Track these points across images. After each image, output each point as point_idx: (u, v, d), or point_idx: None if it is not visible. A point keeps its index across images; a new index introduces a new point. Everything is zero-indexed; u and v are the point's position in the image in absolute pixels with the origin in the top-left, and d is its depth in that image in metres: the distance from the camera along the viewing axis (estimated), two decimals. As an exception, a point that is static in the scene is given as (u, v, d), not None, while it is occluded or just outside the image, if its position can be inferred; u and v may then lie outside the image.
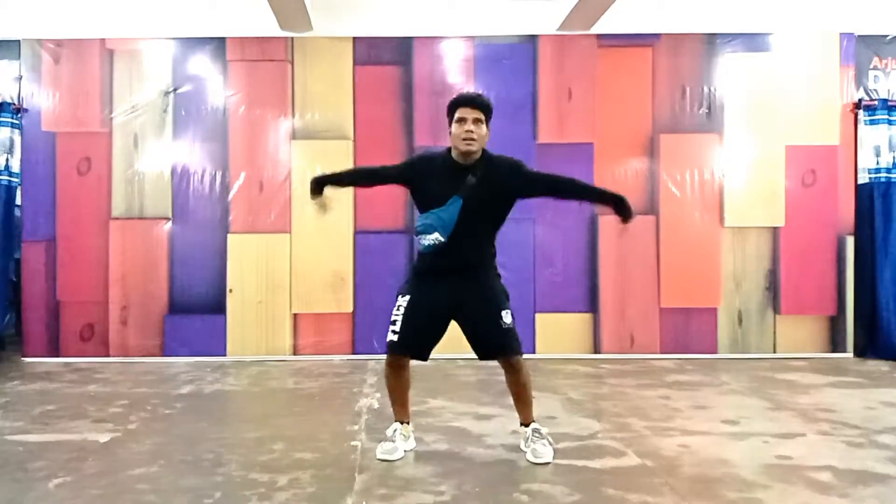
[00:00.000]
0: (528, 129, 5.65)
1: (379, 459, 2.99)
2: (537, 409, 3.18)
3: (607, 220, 5.60)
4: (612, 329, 5.69)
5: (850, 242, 5.72)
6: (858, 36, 5.76)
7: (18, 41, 5.62)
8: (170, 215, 5.63)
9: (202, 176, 5.64)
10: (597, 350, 5.68)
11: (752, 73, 5.71)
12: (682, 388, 4.55)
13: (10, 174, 5.64)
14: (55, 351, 5.56)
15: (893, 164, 5.71)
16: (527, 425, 3.10)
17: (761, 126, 5.70)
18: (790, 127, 5.69)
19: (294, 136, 5.67)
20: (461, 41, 5.73)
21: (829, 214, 5.72)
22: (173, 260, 5.62)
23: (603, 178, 5.58)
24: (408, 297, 3.04)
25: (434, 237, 2.95)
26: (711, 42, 5.74)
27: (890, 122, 5.70)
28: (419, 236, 3.01)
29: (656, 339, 5.68)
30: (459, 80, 5.62)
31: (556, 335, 5.64)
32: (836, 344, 5.70)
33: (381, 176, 3.28)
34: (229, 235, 5.63)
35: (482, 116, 2.96)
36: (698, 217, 5.71)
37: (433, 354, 3.13)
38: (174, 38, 5.67)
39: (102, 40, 5.65)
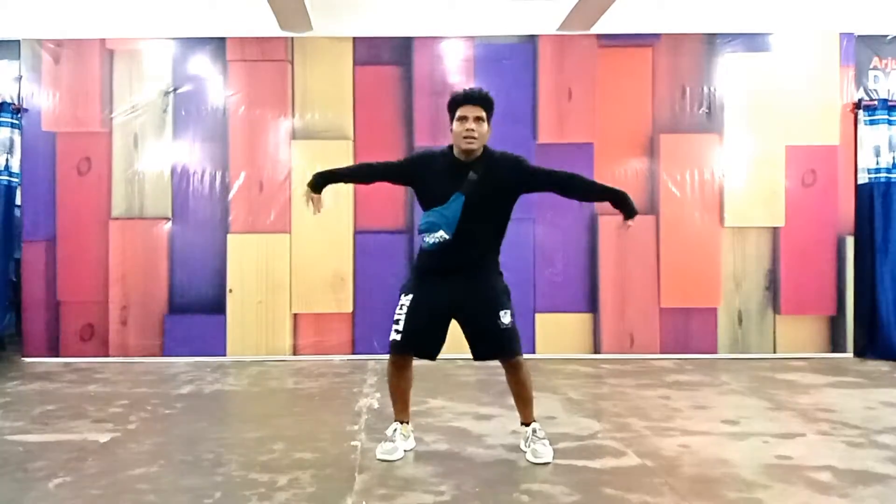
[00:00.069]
0: (528, 130, 5.65)
1: (379, 459, 2.99)
2: (537, 409, 3.18)
3: (607, 220, 5.61)
4: (611, 329, 5.69)
5: (850, 242, 5.72)
6: (858, 36, 5.76)
7: (18, 41, 5.62)
8: (170, 215, 5.63)
9: (202, 176, 5.64)
10: (597, 350, 5.68)
11: (752, 73, 5.71)
12: (682, 388, 4.55)
13: (10, 174, 5.64)
14: (55, 351, 5.56)
15: (893, 164, 5.71)
16: (527, 425, 3.10)
17: (761, 126, 5.70)
18: (790, 127, 5.69)
19: (294, 136, 5.67)
20: (461, 41, 5.73)
21: (829, 214, 5.72)
22: (173, 260, 5.62)
23: (603, 179, 5.50)
24: (411, 297, 3.04)
25: (439, 235, 2.95)
26: (711, 42, 5.74)
27: (890, 122, 5.70)
28: (423, 234, 3.00)
29: (656, 339, 5.68)
30: (459, 81, 5.61)
31: (556, 335, 5.64)
32: (836, 344, 5.70)
33: (382, 172, 3.24)
34: (229, 235, 5.63)
35: (483, 114, 2.95)
36: (698, 217, 5.71)
37: None
38: (174, 38, 5.68)
39: (102, 40, 5.65)
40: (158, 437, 3.46)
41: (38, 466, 2.93)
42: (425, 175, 3.07)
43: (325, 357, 5.56)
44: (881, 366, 5.38)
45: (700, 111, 5.73)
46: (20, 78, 5.63)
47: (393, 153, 5.38)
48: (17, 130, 5.61)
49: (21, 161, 5.62)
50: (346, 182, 3.41)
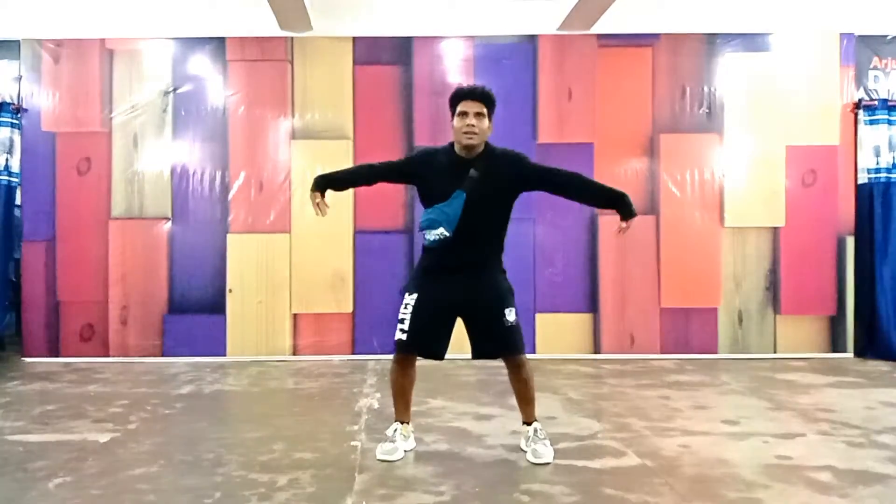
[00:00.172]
0: (528, 129, 5.65)
1: (379, 460, 2.99)
2: (538, 410, 3.18)
3: (607, 220, 5.60)
4: (612, 329, 5.69)
5: (850, 242, 5.72)
6: (858, 36, 5.76)
7: (18, 41, 5.62)
8: (169, 215, 5.63)
9: (202, 176, 5.64)
10: (597, 350, 5.68)
11: (752, 73, 5.71)
12: (682, 388, 4.55)
13: (10, 174, 5.64)
14: (55, 351, 5.56)
15: (893, 164, 5.71)
16: (529, 424, 3.10)
17: (761, 126, 5.70)
18: (790, 127, 5.69)
19: (294, 136, 5.67)
20: (461, 41, 5.73)
21: (829, 214, 5.72)
22: (173, 260, 5.62)
23: (603, 179, 5.48)
24: (415, 296, 3.03)
25: (439, 232, 2.94)
26: (711, 42, 5.74)
27: (890, 122, 5.69)
28: (424, 231, 3.00)
29: (656, 339, 5.68)
30: (459, 81, 5.60)
31: (556, 335, 5.64)
32: (836, 344, 5.70)
33: (384, 172, 3.23)
34: (229, 235, 5.63)
35: (484, 110, 2.95)
36: (698, 217, 5.71)
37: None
38: (174, 38, 5.68)
39: (102, 40, 5.65)
40: (158, 437, 3.46)
41: (38, 466, 2.93)
42: (427, 173, 3.07)
43: (324, 357, 5.56)
44: (881, 366, 5.38)
45: (700, 111, 5.73)
46: (20, 78, 5.63)
47: (393, 153, 5.40)
48: (16, 130, 5.61)
49: (21, 161, 5.62)
50: (348, 187, 3.40)
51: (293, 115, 5.67)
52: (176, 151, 5.65)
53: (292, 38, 5.68)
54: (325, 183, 3.11)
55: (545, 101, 5.71)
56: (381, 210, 5.60)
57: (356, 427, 3.57)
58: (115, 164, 5.63)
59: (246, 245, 5.63)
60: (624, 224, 2.99)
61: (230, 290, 5.61)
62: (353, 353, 5.60)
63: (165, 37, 5.68)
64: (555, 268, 5.67)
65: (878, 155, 5.71)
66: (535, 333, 5.54)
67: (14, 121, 5.59)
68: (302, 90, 5.67)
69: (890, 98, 5.76)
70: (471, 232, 2.95)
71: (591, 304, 5.70)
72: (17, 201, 5.74)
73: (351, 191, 5.56)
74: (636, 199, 3.06)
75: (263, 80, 5.67)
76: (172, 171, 5.64)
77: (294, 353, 5.62)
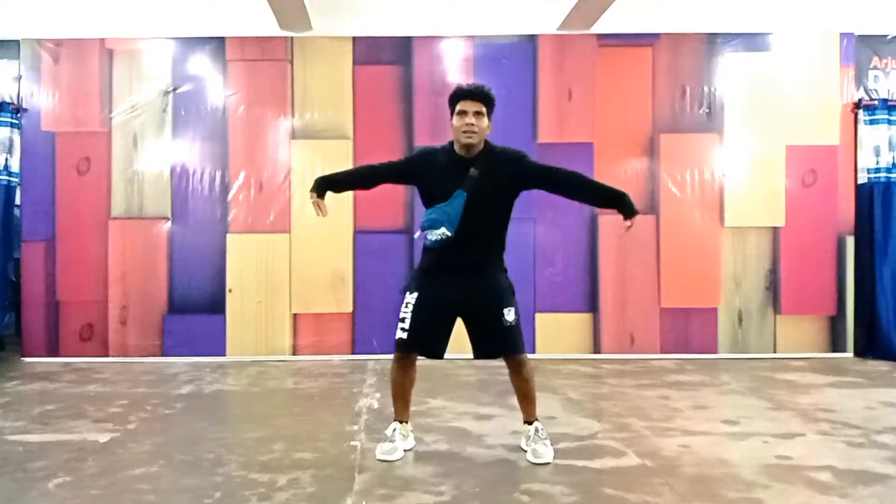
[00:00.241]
0: (528, 129, 5.65)
1: (378, 460, 2.99)
2: (538, 409, 3.17)
3: (607, 220, 5.61)
4: (612, 329, 5.69)
5: (850, 242, 5.72)
6: (858, 36, 5.76)
7: (18, 41, 5.62)
8: (169, 215, 5.63)
9: (202, 176, 5.64)
10: (597, 350, 5.68)
11: (752, 73, 5.71)
12: (682, 388, 4.55)
13: (10, 174, 5.63)
14: (55, 351, 5.56)
15: (893, 164, 5.71)
16: (530, 423, 3.09)
17: (761, 126, 5.70)
18: (790, 127, 5.69)
19: (294, 135, 5.67)
20: (461, 41, 5.73)
21: (829, 214, 5.72)
22: (173, 260, 5.62)
23: (603, 179, 5.44)
24: (416, 295, 3.03)
25: (441, 232, 2.94)
26: (711, 42, 5.74)
27: (890, 122, 5.69)
28: (425, 231, 3.00)
29: (656, 339, 5.68)
30: (459, 80, 5.60)
31: (556, 335, 5.64)
32: (836, 344, 5.70)
33: (384, 173, 3.24)
34: (229, 235, 5.63)
35: (483, 109, 2.95)
36: (698, 217, 5.71)
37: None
38: (174, 38, 5.67)
39: (102, 40, 5.65)
40: (158, 437, 3.46)
41: (38, 466, 2.93)
42: (427, 172, 3.07)
43: (324, 357, 5.56)
44: (881, 366, 5.37)
45: (700, 111, 5.73)
46: (20, 78, 5.63)
47: (393, 153, 5.39)
48: (16, 130, 5.61)
49: (21, 161, 5.62)
50: (348, 188, 3.40)
51: (293, 115, 5.66)
52: (176, 151, 5.65)
53: (292, 37, 5.68)
54: (324, 184, 3.11)
55: (545, 101, 5.71)
56: (381, 210, 5.60)
57: (356, 427, 3.57)
58: (114, 163, 5.63)
59: (246, 245, 5.63)
60: (627, 223, 2.99)
61: (230, 290, 5.61)
62: (353, 353, 5.59)
63: (165, 37, 5.67)
64: (555, 268, 5.67)
65: (878, 155, 5.71)
66: (535, 333, 5.54)
67: (14, 120, 5.59)
68: (302, 90, 5.67)
69: (890, 98, 5.76)
70: (472, 231, 2.95)
71: (591, 304, 5.70)
72: (17, 201, 5.74)
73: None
74: (636, 199, 3.06)
75: (263, 80, 5.66)
76: (172, 171, 5.63)
77: (294, 353, 5.62)
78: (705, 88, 5.73)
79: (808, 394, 4.38)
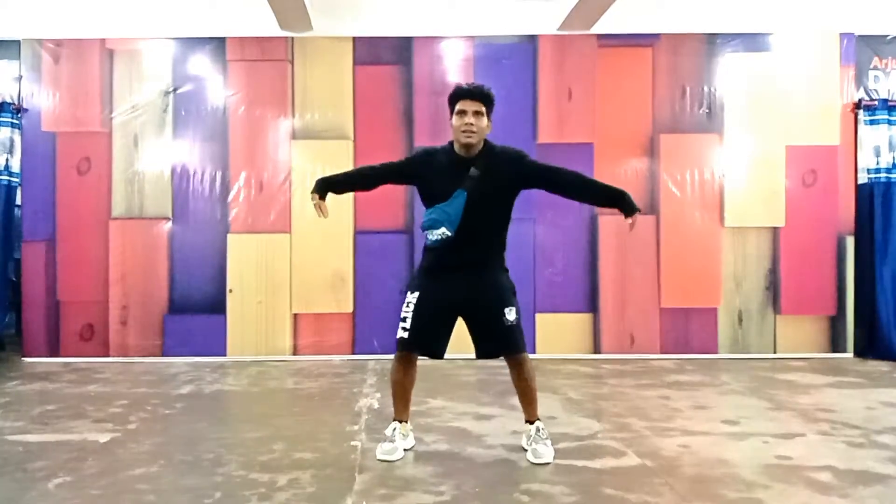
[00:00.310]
0: (528, 129, 5.65)
1: (379, 460, 2.99)
2: (538, 410, 3.17)
3: (607, 221, 5.61)
4: (612, 329, 5.69)
5: (850, 242, 5.72)
6: (858, 36, 5.76)
7: (18, 41, 5.62)
8: (170, 215, 5.63)
9: (202, 176, 5.64)
10: (597, 350, 5.68)
11: (752, 73, 5.71)
12: (682, 388, 4.55)
13: (10, 174, 5.64)
14: (55, 351, 5.56)
15: (893, 164, 5.71)
16: (531, 423, 3.09)
17: (761, 126, 5.70)
18: (790, 127, 5.69)
19: (294, 136, 5.67)
20: (461, 41, 5.73)
21: (829, 214, 5.72)
22: (173, 260, 5.62)
23: (603, 179, 5.40)
24: (417, 294, 3.04)
25: (441, 232, 2.94)
26: (711, 42, 5.74)
27: (890, 122, 5.70)
28: (426, 231, 3.00)
29: (656, 339, 5.68)
30: (459, 80, 5.59)
31: (556, 335, 5.64)
32: (836, 344, 5.70)
33: (384, 174, 3.24)
34: (229, 235, 5.63)
35: (483, 109, 2.95)
36: (698, 217, 5.71)
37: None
38: (174, 38, 5.68)
39: (102, 40, 5.65)
40: (158, 437, 3.46)
41: (38, 466, 2.93)
42: (427, 172, 3.07)
43: (325, 357, 5.56)
44: (881, 366, 5.38)
45: (700, 111, 5.73)
46: (20, 78, 5.63)
47: (393, 153, 5.40)
48: (17, 130, 5.61)
49: (21, 161, 5.63)
50: (348, 189, 3.40)
51: (293, 115, 5.67)
52: (176, 151, 5.65)
53: (292, 38, 5.68)
54: (325, 186, 3.12)
55: (545, 101, 5.71)
56: (381, 210, 5.60)
57: (356, 427, 3.57)
58: (115, 164, 5.63)
59: (246, 245, 5.63)
60: (629, 220, 2.98)
61: (230, 290, 5.61)
62: (353, 353, 5.60)
63: (165, 37, 5.68)
64: (555, 268, 5.68)
65: (878, 155, 5.71)
66: (535, 333, 5.54)
67: (14, 121, 5.60)
68: (302, 90, 5.67)
69: (890, 98, 5.76)
70: (472, 231, 2.95)
71: (591, 304, 5.70)
72: (18, 201, 5.74)
73: (351, 190, 5.56)
74: (636, 199, 3.06)
75: (263, 80, 5.67)
76: (173, 171, 5.64)
77: (294, 353, 5.62)
78: (705, 88, 5.73)
79: (808, 394, 4.38)
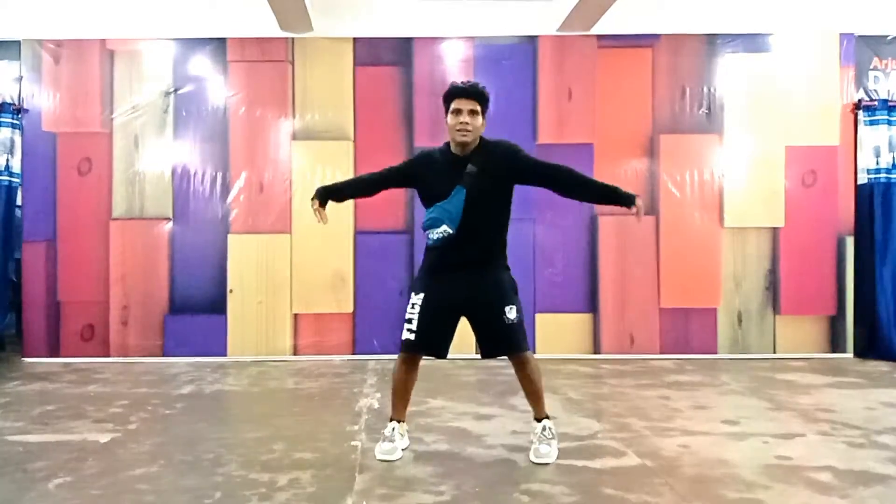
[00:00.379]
0: (528, 130, 5.65)
1: (379, 460, 2.99)
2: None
3: (607, 221, 5.61)
4: (612, 329, 5.69)
5: (850, 242, 5.72)
6: (858, 36, 5.76)
7: (18, 41, 5.62)
8: (170, 215, 5.63)
9: (203, 176, 5.64)
10: (597, 350, 5.68)
11: (752, 74, 5.71)
12: (682, 389, 4.55)
13: (11, 174, 5.64)
14: (55, 351, 5.56)
15: (893, 164, 5.71)
16: (539, 421, 3.09)
17: (761, 126, 5.70)
18: (790, 127, 5.69)
19: (294, 136, 5.67)
20: (461, 41, 5.73)
21: (829, 214, 5.72)
22: (174, 260, 5.62)
23: (603, 179, 5.43)
24: (422, 296, 3.04)
25: (442, 230, 2.94)
26: (711, 42, 5.74)
27: (890, 123, 5.70)
28: (427, 231, 3.00)
29: (656, 339, 5.68)
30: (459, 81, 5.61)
31: (556, 335, 5.64)
32: (836, 344, 5.70)
33: (384, 180, 3.27)
34: (229, 236, 5.64)
35: (478, 108, 2.97)
36: (698, 217, 5.71)
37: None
38: (174, 39, 5.68)
39: (103, 41, 5.66)
40: (158, 437, 3.46)
41: (38, 466, 2.93)
42: (426, 174, 3.09)
43: (325, 357, 5.57)
44: (881, 366, 5.38)
45: (700, 111, 5.73)
46: (20, 78, 5.64)
47: (393, 153, 5.43)
48: (17, 131, 5.61)
49: (21, 161, 5.63)
50: (349, 197, 3.44)
51: (294, 116, 5.67)
52: (177, 152, 5.65)
53: (293, 38, 5.69)
54: (325, 194, 3.16)
55: (545, 102, 5.71)
56: (381, 211, 5.60)
57: (356, 427, 3.57)
58: (115, 164, 5.63)
59: (246, 245, 5.63)
60: (633, 211, 2.96)
61: (231, 291, 5.62)
62: (354, 353, 5.60)
63: (166, 37, 5.68)
64: (555, 268, 5.68)
65: (878, 155, 5.71)
66: (535, 333, 5.54)
67: (15, 121, 5.60)
68: (302, 91, 5.68)
69: (890, 98, 5.77)
70: (474, 228, 2.95)
71: (591, 304, 5.70)
72: (18, 201, 5.74)
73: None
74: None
75: (264, 81, 5.67)
76: (173, 172, 5.64)
77: (294, 353, 5.62)
78: (705, 89, 5.73)
79: (808, 394, 4.38)
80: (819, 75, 5.72)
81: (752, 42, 5.74)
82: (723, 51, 5.73)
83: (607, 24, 5.58)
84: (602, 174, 5.53)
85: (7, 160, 5.61)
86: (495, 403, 4.04)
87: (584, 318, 5.70)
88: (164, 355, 5.55)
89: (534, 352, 5.38)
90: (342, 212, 5.54)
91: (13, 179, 5.65)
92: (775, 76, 5.71)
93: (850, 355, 5.67)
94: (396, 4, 5.77)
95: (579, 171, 3.10)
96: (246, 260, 5.63)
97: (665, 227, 5.69)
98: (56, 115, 5.62)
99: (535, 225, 5.62)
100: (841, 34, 5.72)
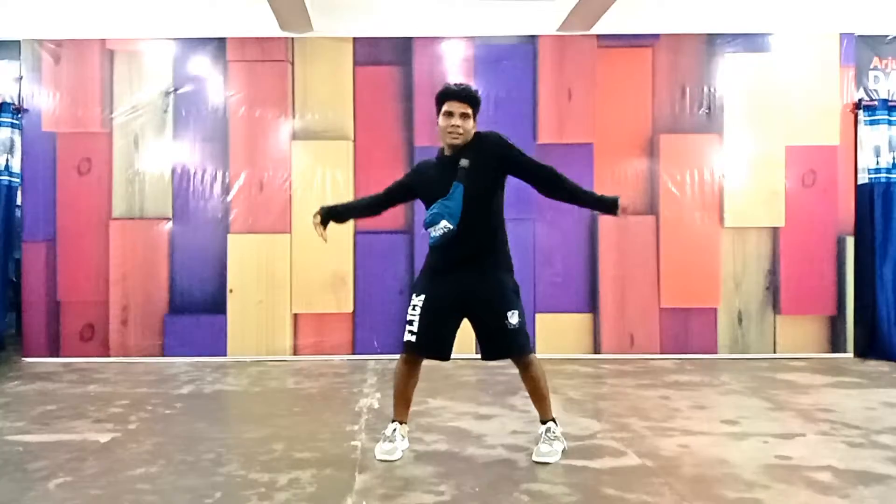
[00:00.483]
0: (528, 130, 5.65)
1: (378, 460, 2.99)
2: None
3: (607, 221, 5.61)
4: (612, 329, 5.69)
5: (850, 242, 5.72)
6: (858, 36, 5.76)
7: (18, 41, 5.62)
8: (170, 215, 5.63)
9: (202, 176, 5.64)
10: (597, 350, 5.68)
11: (752, 74, 5.71)
12: (682, 388, 4.55)
13: (11, 174, 5.64)
14: (55, 351, 5.56)
15: (893, 164, 5.71)
16: (544, 423, 3.09)
17: (761, 126, 5.70)
18: (790, 127, 5.69)
19: (294, 136, 5.67)
20: (461, 41, 5.73)
21: (829, 214, 5.72)
22: (173, 260, 5.62)
23: (603, 179, 5.59)
24: (423, 297, 3.04)
25: (443, 226, 2.94)
26: (711, 42, 5.75)
27: (890, 123, 5.70)
28: (429, 229, 3.00)
29: (656, 339, 5.68)
30: (460, 81, 5.60)
31: (556, 335, 5.64)
32: (836, 344, 5.70)
33: (389, 196, 3.30)
34: (229, 235, 5.63)
35: (469, 111, 2.98)
36: (698, 217, 5.71)
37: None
38: (174, 39, 5.68)
39: (102, 40, 5.66)
40: (158, 437, 3.46)
41: (38, 466, 2.93)
42: (424, 180, 3.13)
43: (325, 357, 5.57)
44: (881, 366, 5.38)
45: (700, 111, 5.73)
46: (20, 78, 5.64)
47: (393, 153, 5.45)
48: (17, 131, 5.62)
49: (21, 161, 5.63)
50: (354, 217, 3.46)
51: (293, 116, 5.67)
52: (176, 152, 5.65)
53: (293, 38, 5.68)
54: (328, 214, 3.23)
55: (545, 102, 5.71)
56: (381, 210, 5.59)
57: (356, 427, 3.57)
58: (115, 164, 5.63)
59: (246, 245, 5.63)
60: (620, 214, 2.97)
61: (230, 290, 5.62)
62: (354, 353, 5.60)
63: (166, 37, 5.68)
64: (555, 268, 5.68)
65: (878, 155, 5.71)
66: (535, 333, 5.54)
67: (14, 121, 5.60)
68: (302, 90, 5.67)
69: (890, 98, 5.77)
70: (474, 222, 2.95)
71: (591, 304, 5.70)
72: (18, 201, 5.74)
73: (351, 189, 5.59)
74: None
75: (264, 81, 5.67)
76: (173, 172, 5.64)
77: (294, 353, 5.62)
78: (705, 89, 5.73)
79: (808, 394, 4.38)
80: (819, 75, 5.72)
81: (752, 42, 5.74)
82: (723, 51, 5.73)
83: (607, 24, 5.58)
84: (602, 174, 5.58)
85: (7, 160, 5.61)
86: (495, 403, 4.04)
87: (584, 318, 5.70)
88: (164, 355, 5.55)
89: (533, 352, 5.42)
90: (342, 212, 5.54)
91: (13, 179, 5.66)
92: (775, 76, 5.71)
93: (850, 355, 5.67)
94: (396, 4, 5.77)
95: (561, 172, 3.06)
96: (246, 260, 5.63)
97: (665, 227, 5.69)
98: (56, 115, 5.62)
99: (535, 225, 5.62)
100: (841, 34, 5.72)
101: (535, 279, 5.62)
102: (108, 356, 5.54)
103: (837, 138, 5.72)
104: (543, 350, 5.54)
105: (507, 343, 3.01)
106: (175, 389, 4.53)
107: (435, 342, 3.04)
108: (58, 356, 5.53)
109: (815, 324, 5.72)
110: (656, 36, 5.74)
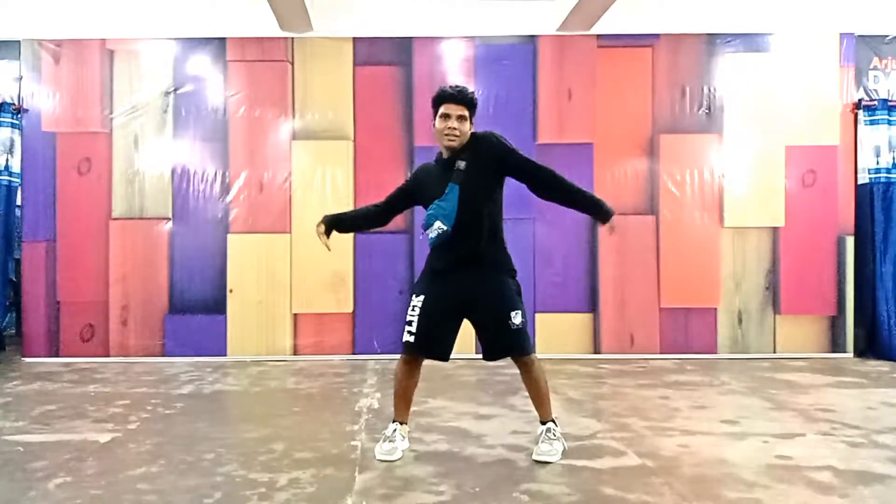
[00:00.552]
0: (528, 130, 5.65)
1: (378, 460, 2.99)
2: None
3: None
4: (612, 329, 5.69)
5: (850, 242, 5.72)
6: (858, 36, 5.77)
7: (18, 41, 5.63)
8: (170, 215, 5.63)
9: (202, 176, 5.64)
10: (597, 350, 5.68)
11: (752, 73, 5.71)
12: (682, 388, 4.55)
13: (11, 174, 5.64)
14: (55, 351, 5.56)
15: (893, 164, 5.72)
16: (544, 423, 3.09)
17: (761, 126, 5.70)
18: (790, 127, 5.69)
19: (294, 136, 5.67)
20: (461, 41, 5.73)
21: (829, 214, 5.72)
22: (173, 260, 5.62)
23: (603, 179, 5.59)
24: (422, 298, 3.04)
25: (437, 226, 2.95)
26: (711, 42, 5.75)
27: (890, 123, 5.70)
28: (426, 230, 3.01)
29: (656, 339, 5.68)
30: (459, 81, 5.60)
31: (556, 335, 5.64)
32: (836, 344, 5.70)
33: (391, 204, 3.31)
34: (229, 235, 5.63)
35: (466, 113, 2.98)
36: (698, 217, 5.71)
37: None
38: (174, 39, 5.68)
39: (102, 40, 5.66)
40: (158, 437, 3.46)
41: (38, 466, 2.93)
42: (423, 184, 3.13)
43: (325, 357, 5.57)
44: (881, 366, 5.38)
45: (700, 111, 5.73)
46: (20, 78, 5.64)
47: (393, 153, 5.45)
48: (17, 130, 5.62)
49: (21, 161, 5.63)
50: (356, 228, 3.46)
51: (293, 116, 5.67)
52: (176, 152, 5.65)
53: (292, 38, 5.68)
54: (331, 223, 3.22)
55: (545, 102, 5.71)
56: (381, 210, 5.59)
57: (356, 427, 3.57)
58: (115, 164, 5.63)
59: (246, 245, 5.63)
60: (607, 227, 3.00)
61: (230, 290, 5.62)
62: (354, 353, 5.60)
63: (166, 37, 5.68)
64: (555, 268, 5.67)
65: (878, 155, 5.72)
66: (535, 333, 5.53)
67: (14, 121, 5.60)
68: (302, 90, 5.67)
69: (890, 98, 5.77)
70: (469, 223, 2.95)
71: (591, 304, 5.70)
72: (18, 201, 5.75)
73: (351, 189, 5.59)
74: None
75: (264, 81, 5.67)
76: (173, 172, 5.64)
77: (294, 353, 5.62)
78: (705, 89, 5.73)
79: (808, 394, 4.38)
80: (819, 75, 5.72)
81: (751, 42, 5.74)
82: (723, 51, 5.73)
83: (607, 24, 5.58)
84: (602, 174, 5.58)
85: (7, 160, 5.61)
86: (495, 403, 4.04)
87: (584, 318, 5.70)
88: (164, 355, 5.55)
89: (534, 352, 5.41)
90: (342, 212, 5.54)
91: (13, 179, 5.66)
92: (775, 76, 5.71)
93: (850, 355, 5.68)
94: (396, 4, 5.77)
95: (561, 175, 3.05)
96: (246, 260, 5.63)
97: (665, 226, 5.69)
98: (56, 115, 5.62)
99: (535, 225, 5.62)
100: (841, 34, 5.72)
101: (535, 279, 5.62)
102: (108, 356, 5.54)
103: (837, 138, 5.72)
104: (543, 350, 5.54)
105: (509, 343, 3.01)
106: (175, 389, 4.53)
107: (434, 343, 3.04)
108: (58, 356, 5.53)
109: (815, 324, 5.72)
110: (656, 36, 5.74)
